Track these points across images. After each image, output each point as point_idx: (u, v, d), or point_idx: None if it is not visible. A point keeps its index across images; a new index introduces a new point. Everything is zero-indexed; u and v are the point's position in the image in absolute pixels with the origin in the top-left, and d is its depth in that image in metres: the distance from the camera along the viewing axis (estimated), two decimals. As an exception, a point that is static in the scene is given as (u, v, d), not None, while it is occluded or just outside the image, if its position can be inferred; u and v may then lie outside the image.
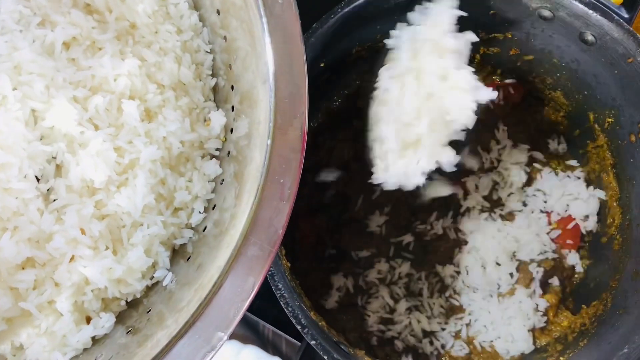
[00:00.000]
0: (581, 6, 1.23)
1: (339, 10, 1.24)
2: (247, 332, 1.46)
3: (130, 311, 1.05)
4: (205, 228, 1.05)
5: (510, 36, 1.41)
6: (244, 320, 1.46)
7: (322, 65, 1.30)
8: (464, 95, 1.08)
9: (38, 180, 0.99)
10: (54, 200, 0.99)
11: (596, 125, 1.41)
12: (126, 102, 1.00)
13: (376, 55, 1.37)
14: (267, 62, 0.93)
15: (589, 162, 1.48)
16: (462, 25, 1.33)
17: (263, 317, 1.42)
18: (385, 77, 1.14)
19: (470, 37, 1.11)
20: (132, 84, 1.01)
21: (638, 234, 1.33)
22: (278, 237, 0.88)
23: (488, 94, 1.09)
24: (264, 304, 1.42)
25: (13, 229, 0.96)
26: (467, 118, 1.09)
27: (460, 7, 1.29)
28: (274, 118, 0.91)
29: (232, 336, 1.40)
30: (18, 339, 0.99)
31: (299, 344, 1.36)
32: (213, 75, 1.13)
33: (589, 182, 1.49)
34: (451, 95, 1.09)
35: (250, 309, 1.36)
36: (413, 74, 1.11)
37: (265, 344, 1.46)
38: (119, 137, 1.00)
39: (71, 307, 0.98)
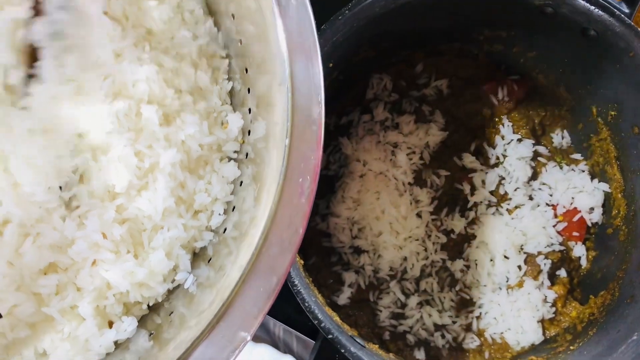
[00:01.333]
0: (583, 2, 1.23)
1: (347, 11, 1.24)
2: (258, 331, 1.45)
3: (152, 315, 1.04)
4: (225, 230, 1.04)
5: (513, 33, 1.41)
6: None
7: (330, 65, 1.29)
8: None
9: (61, 188, 0.97)
10: (77, 207, 0.98)
11: (599, 119, 1.41)
12: (145, 106, 0.98)
13: (382, 55, 1.37)
14: (284, 63, 0.92)
15: (593, 155, 1.48)
16: (468, 23, 1.34)
17: (274, 315, 1.40)
18: None
19: None
20: (150, 89, 0.99)
21: None
22: (299, 236, 0.87)
23: None
24: (275, 302, 1.40)
25: (35, 235, 0.95)
26: None
27: (464, 6, 1.30)
28: (291, 118, 0.90)
29: None
30: (41, 344, 0.97)
31: (310, 340, 1.36)
32: (229, 79, 1.11)
33: (593, 175, 1.49)
34: None
35: None
36: None
37: (277, 342, 1.46)
38: (138, 142, 0.98)
39: (93, 312, 0.97)
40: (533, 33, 1.38)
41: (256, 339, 1.44)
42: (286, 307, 1.32)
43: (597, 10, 1.22)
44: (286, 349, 1.47)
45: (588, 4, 1.23)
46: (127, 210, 0.98)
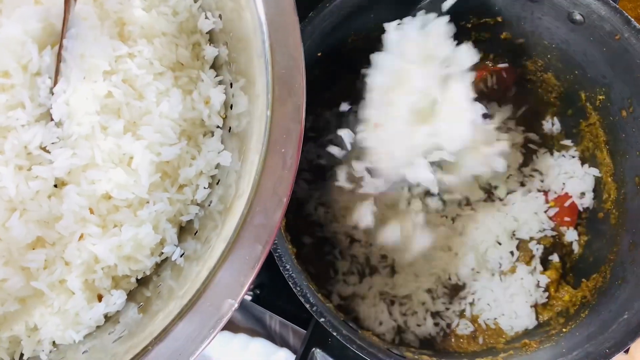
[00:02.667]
0: None
1: None
2: (255, 325, 1.45)
3: (141, 288, 1.04)
4: (211, 203, 1.04)
5: (500, 20, 1.41)
6: (251, 314, 1.45)
7: (318, 54, 1.30)
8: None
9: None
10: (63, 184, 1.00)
11: (588, 104, 1.41)
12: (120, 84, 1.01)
13: (371, 44, 1.38)
14: (263, 35, 0.93)
15: (583, 141, 1.47)
16: (455, 10, 1.34)
17: (270, 308, 1.40)
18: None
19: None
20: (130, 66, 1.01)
21: (633, 206, 1.33)
22: (283, 205, 0.88)
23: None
24: (271, 296, 1.41)
25: (22, 210, 0.95)
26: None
27: None
28: (272, 90, 0.91)
29: (241, 330, 1.40)
30: (32, 319, 0.98)
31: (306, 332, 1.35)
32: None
33: (583, 160, 1.48)
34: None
35: (257, 301, 1.38)
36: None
37: (273, 336, 1.45)
38: (121, 117, 1.01)
39: (82, 285, 0.98)
40: (520, 19, 1.38)
41: (252, 332, 1.44)
42: (281, 301, 1.32)
43: None
44: (282, 342, 1.47)
45: None
46: (112, 184, 0.99)
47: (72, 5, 0.99)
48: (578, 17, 1.26)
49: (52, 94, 1.00)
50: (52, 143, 0.98)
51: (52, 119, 1.00)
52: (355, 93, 1.47)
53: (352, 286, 1.40)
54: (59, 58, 0.99)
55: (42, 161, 0.98)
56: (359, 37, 1.38)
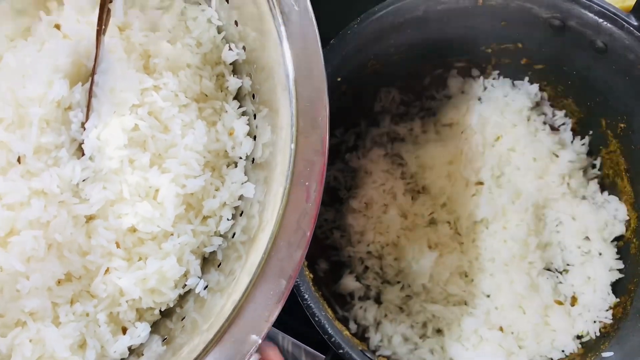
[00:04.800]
0: (591, 15, 1.21)
1: (355, 26, 1.23)
2: (266, 345, 1.43)
3: (165, 320, 1.02)
4: (234, 235, 1.02)
5: (520, 46, 1.38)
6: None
7: (338, 79, 1.28)
8: None
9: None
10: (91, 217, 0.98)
11: (609, 131, 1.38)
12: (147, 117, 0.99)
13: (391, 67, 1.37)
14: (287, 69, 0.91)
15: (603, 168, 1.43)
16: (476, 36, 1.32)
17: (282, 328, 1.38)
18: None
19: None
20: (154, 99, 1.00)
21: None
22: (306, 239, 0.87)
23: None
24: (283, 316, 1.37)
25: (58, 245, 0.95)
26: None
27: (471, 19, 1.28)
28: (296, 123, 0.89)
29: None
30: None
31: (320, 355, 1.33)
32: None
33: (603, 187, 1.44)
34: None
35: None
36: None
37: (286, 356, 1.42)
38: (147, 150, 1.00)
39: (107, 319, 0.96)
40: (541, 46, 1.35)
41: (264, 352, 1.41)
42: (295, 321, 1.29)
43: (605, 22, 1.20)
44: (294, 362, 1.44)
45: (596, 17, 1.20)
46: (138, 218, 0.97)
47: (102, 39, 0.98)
48: (601, 45, 1.24)
49: (84, 128, 0.99)
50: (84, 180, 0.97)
51: (83, 154, 0.99)
52: (373, 114, 1.47)
53: (368, 312, 1.36)
54: (90, 94, 0.99)
55: (79, 198, 0.97)
56: (378, 61, 1.37)
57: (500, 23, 1.32)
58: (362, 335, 1.33)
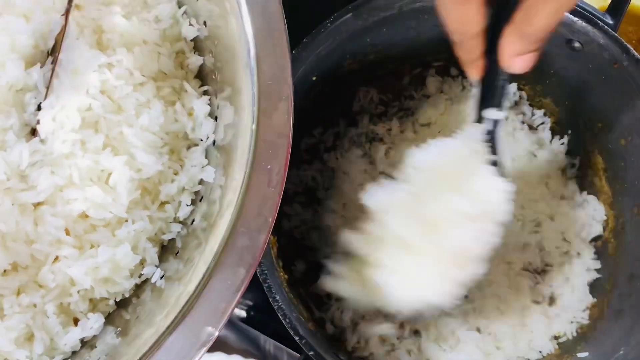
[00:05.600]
0: (566, 14, 1.18)
1: (329, 24, 1.20)
2: (249, 347, 1.40)
3: (120, 311, 0.97)
4: (194, 221, 0.98)
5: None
6: (246, 335, 1.40)
7: (314, 79, 1.25)
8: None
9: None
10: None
11: (587, 130, 1.35)
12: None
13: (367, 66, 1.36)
14: (248, 45, 0.86)
15: (581, 167, 1.40)
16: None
17: (264, 330, 1.35)
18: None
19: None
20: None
21: (632, 237, 1.27)
22: (268, 226, 0.82)
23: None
24: (265, 318, 1.36)
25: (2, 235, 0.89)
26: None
27: None
28: (257, 102, 0.85)
29: (234, 351, 1.35)
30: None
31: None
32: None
33: (582, 187, 1.40)
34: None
35: (251, 322, 1.33)
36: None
37: (267, 358, 1.39)
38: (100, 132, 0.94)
39: (56, 309, 0.91)
40: None
41: (246, 354, 1.38)
42: (275, 323, 1.26)
43: (580, 21, 1.18)
44: (276, 365, 1.41)
45: (572, 15, 1.18)
46: (88, 203, 0.92)
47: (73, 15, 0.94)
48: (576, 44, 1.21)
49: (40, 109, 0.93)
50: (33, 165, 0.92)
51: (34, 136, 0.93)
52: (352, 114, 1.44)
53: (345, 313, 1.32)
54: (52, 74, 0.93)
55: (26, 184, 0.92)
56: (355, 60, 1.33)
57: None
58: (339, 336, 1.30)
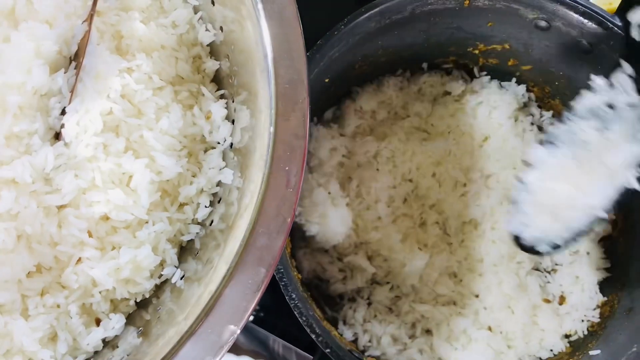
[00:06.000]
0: (576, 16, 1.20)
1: (342, 26, 1.21)
2: (258, 347, 1.40)
3: (141, 311, 0.98)
4: (212, 222, 0.99)
5: (508, 47, 1.36)
6: (255, 336, 1.40)
7: (326, 80, 1.27)
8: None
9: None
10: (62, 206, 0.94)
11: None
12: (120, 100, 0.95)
13: (378, 68, 1.38)
14: (265, 49, 0.87)
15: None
16: (463, 37, 1.32)
17: (273, 331, 1.36)
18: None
19: None
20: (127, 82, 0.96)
21: None
22: (287, 226, 0.83)
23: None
24: (274, 318, 1.37)
25: (27, 236, 0.90)
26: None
27: (458, 20, 1.28)
28: (275, 105, 0.86)
29: (243, 352, 1.36)
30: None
31: (310, 357, 1.32)
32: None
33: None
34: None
35: (260, 323, 1.35)
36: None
37: (276, 359, 1.40)
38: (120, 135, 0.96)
39: (79, 310, 0.92)
40: (528, 46, 1.34)
41: (255, 355, 1.39)
42: (285, 324, 1.27)
43: (590, 23, 1.19)
44: (285, 365, 1.42)
45: (582, 17, 1.20)
46: (110, 206, 0.93)
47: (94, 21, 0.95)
48: (586, 45, 1.23)
49: (64, 113, 0.94)
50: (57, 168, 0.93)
51: (58, 140, 0.95)
52: None
53: (357, 312, 1.34)
54: (76, 78, 0.95)
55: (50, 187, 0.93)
56: (366, 62, 1.35)
57: (487, 24, 1.30)
58: (351, 335, 1.31)
